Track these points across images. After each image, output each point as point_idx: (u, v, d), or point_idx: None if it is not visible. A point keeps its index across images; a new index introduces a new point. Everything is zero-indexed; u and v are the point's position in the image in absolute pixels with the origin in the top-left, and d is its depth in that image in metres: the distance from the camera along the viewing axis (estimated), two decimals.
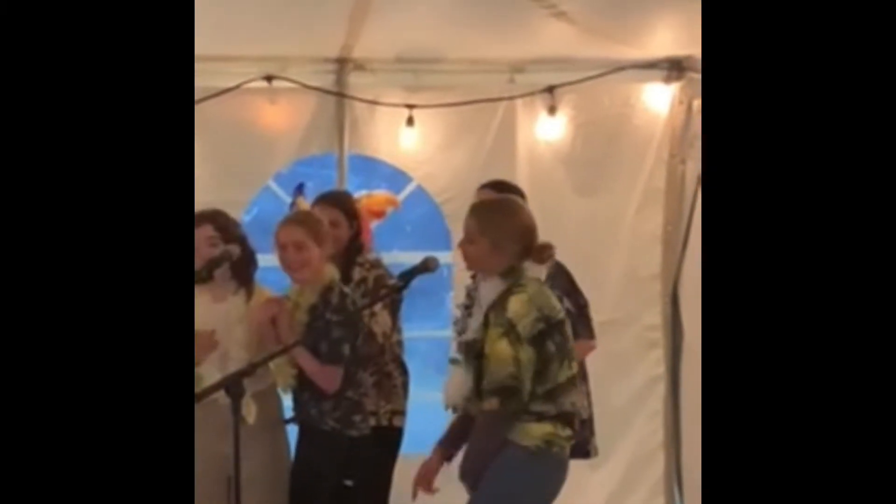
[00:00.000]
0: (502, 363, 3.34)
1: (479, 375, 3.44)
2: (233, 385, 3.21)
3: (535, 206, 5.40)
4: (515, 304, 3.39)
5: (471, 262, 3.56)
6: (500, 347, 3.35)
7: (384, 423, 4.37)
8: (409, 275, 3.63)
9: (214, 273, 3.83)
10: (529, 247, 3.52)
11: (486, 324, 3.41)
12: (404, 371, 4.47)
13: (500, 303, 3.40)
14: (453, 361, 3.61)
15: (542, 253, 3.60)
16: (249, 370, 3.30)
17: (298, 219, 4.10)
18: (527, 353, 3.36)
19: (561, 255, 4.35)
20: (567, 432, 3.48)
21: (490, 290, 3.47)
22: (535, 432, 3.41)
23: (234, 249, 3.88)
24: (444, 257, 4.17)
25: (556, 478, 3.51)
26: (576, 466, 4.22)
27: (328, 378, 3.81)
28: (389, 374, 4.38)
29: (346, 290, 3.95)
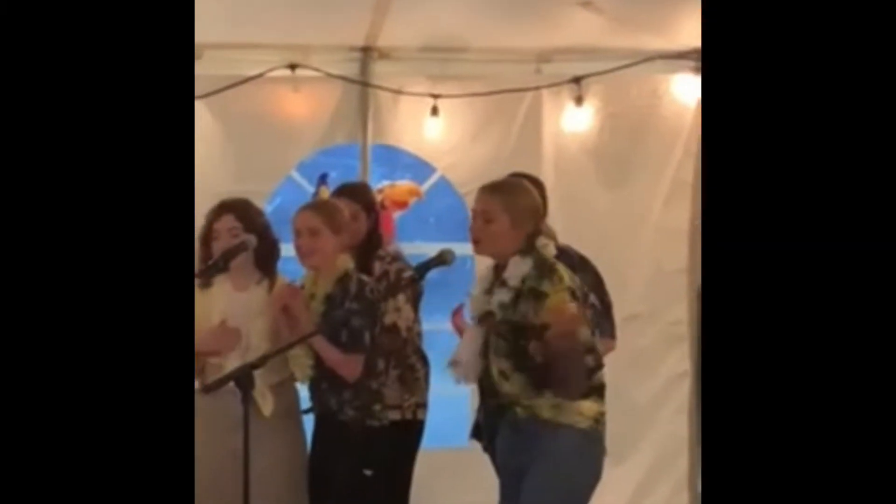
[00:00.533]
0: (581, 324, 3.37)
1: (510, 350, 3.44)
2: (243, 377, 3.17)
3: (561, 198, 5.43)
4: (566, 273, 3.45)
5: (487, 242, 3.53)
6: (573, 311, 3.35)
7: (408, 416, 4.33)
8: (424, 267, 3.62)
9: (231, 263, 3.78)
10: (539, 227, 3.57)
11: (533, 296, 3.39)
12: (426, 363, 4.43)
13: (548, 273, 3.42)
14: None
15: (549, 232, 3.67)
16: (260, 362, 3.26)
17: (315, 205, 4.07)
18: (588, 314, 3.43)
19: (586, 248, 4.31)
20: (604, 408, 3.54)
21: (518, 266, 3.47)
22: (587, 412, 3.46)
23: (251, 240, 3.84)
24: (467, 249, 4.12)
25: (602, 455, 3.55)
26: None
27: (350, 366, 3.78)
28: (412, 366, 4.34)
29: (364, 278, 3.91)
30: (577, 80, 5.47)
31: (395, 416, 4.18)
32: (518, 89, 5.47)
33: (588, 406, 3.46)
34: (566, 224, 5.16)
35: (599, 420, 3.50)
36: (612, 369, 4.21)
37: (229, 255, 3.76)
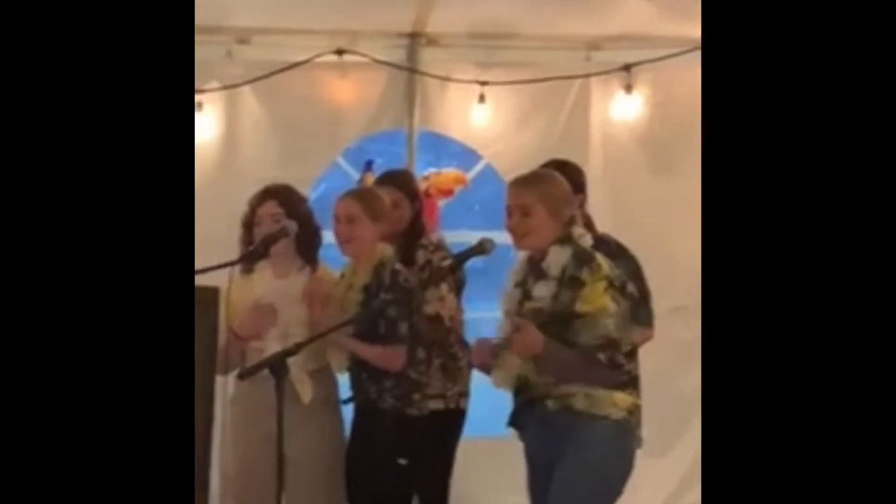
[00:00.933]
0: (609, 317, 3.34)
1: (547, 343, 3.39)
2: (277, 364, 3.16)
3: (609, 188, 5.37)
4: (605, 262, 3.42)
5: (527, 235, 3.47)
6: (605, 301, 3.34)
7: (451, 405, 4.30)
8: (462, 256, 3.61)
9: (271, 249, 3.77)
10: (574, 215, 3.55)
11: (572, 285, 3.37)
12: (468, 351, 4.39)
13: (586, 262, 3.39)
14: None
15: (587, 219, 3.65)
16: (293, 350, 3.24)
17: (355, 193, 4.05)
18: (623, 305, 3.40)
19: (634, 238, 4.27)
20: (639, 400, 3.52)
21: (558, 256, 3.44)
22: (621, 403, 3.43)
23: (292, 226, 3.82)
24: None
25: (634, 447, 3.53)
26: (641, 456, 4.13)
27: (391, 358, 3.76)
28: (455, 355, 4.31)
29: (398, 266, 3.87)
30: (626, 67, 5.41)
31: (437, 405, 4.16)
32: (567, 77, 5.41)
33: (622, 398, 3.43)
34: (614, 213, 5.11)
35: (633, 412, 3.48)
36: (658, 360, 4.17)
37: (269, 240, 3.75)
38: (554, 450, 3.43)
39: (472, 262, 3.71)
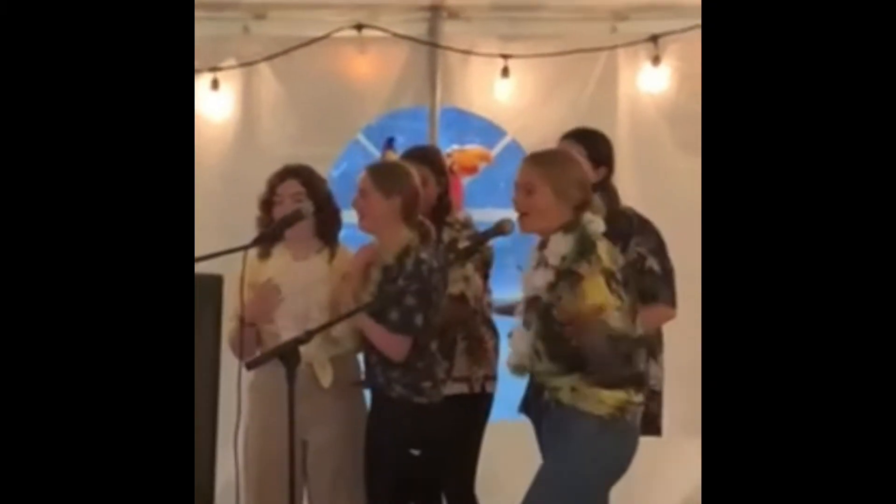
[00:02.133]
0: (609, 313, 3.23)
1: (545, 332, 3.32)
2: (287, 353, 3.06)
3: (637, 163, 5.26)
4: (607, 253, 3.31)
5: (530, 215, 3.39)
6: (606, 297, 3.23)
7: (477, 389, 4.22)
8: (482, 237, 3.53)
9: (287, 232, 3.67)
10: (586, 199, 3.42)
11: (571, 278, 3.27)
12: (495, 333, 4.31)
13: (585, 252, 3.29)
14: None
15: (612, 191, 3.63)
16: (305, 338, 3.13)
17: (369, 166, 3.90)
18: (627, 299, 3.27)
19: (663, 214, 4.17)
20: (639, 398, 3.37)
21: (558, 245, 3.34)
22: (608, 400, 3.29)
23: (308, 207, 3.72)
24: None
25: (628, 446, 3.40)
26: (679, 442, 4.02)
27: (396, 347, 3.64)
28: (481, 338, 4.22)
29: (424, 255, 3.73)
30: (654, 38, 5.28)
31: (461, 388, 4.09)
32: (592, 49, 5.30)
33: (610, 395, 3.28)
34: (642, 188, 5.01)
35: (625, 409, 3.31)
36: (689, 338, 4.03)
37: (285, 222, 3.66)
38: (546, 440, 3.38)
39: (499, 242, 3.61)
